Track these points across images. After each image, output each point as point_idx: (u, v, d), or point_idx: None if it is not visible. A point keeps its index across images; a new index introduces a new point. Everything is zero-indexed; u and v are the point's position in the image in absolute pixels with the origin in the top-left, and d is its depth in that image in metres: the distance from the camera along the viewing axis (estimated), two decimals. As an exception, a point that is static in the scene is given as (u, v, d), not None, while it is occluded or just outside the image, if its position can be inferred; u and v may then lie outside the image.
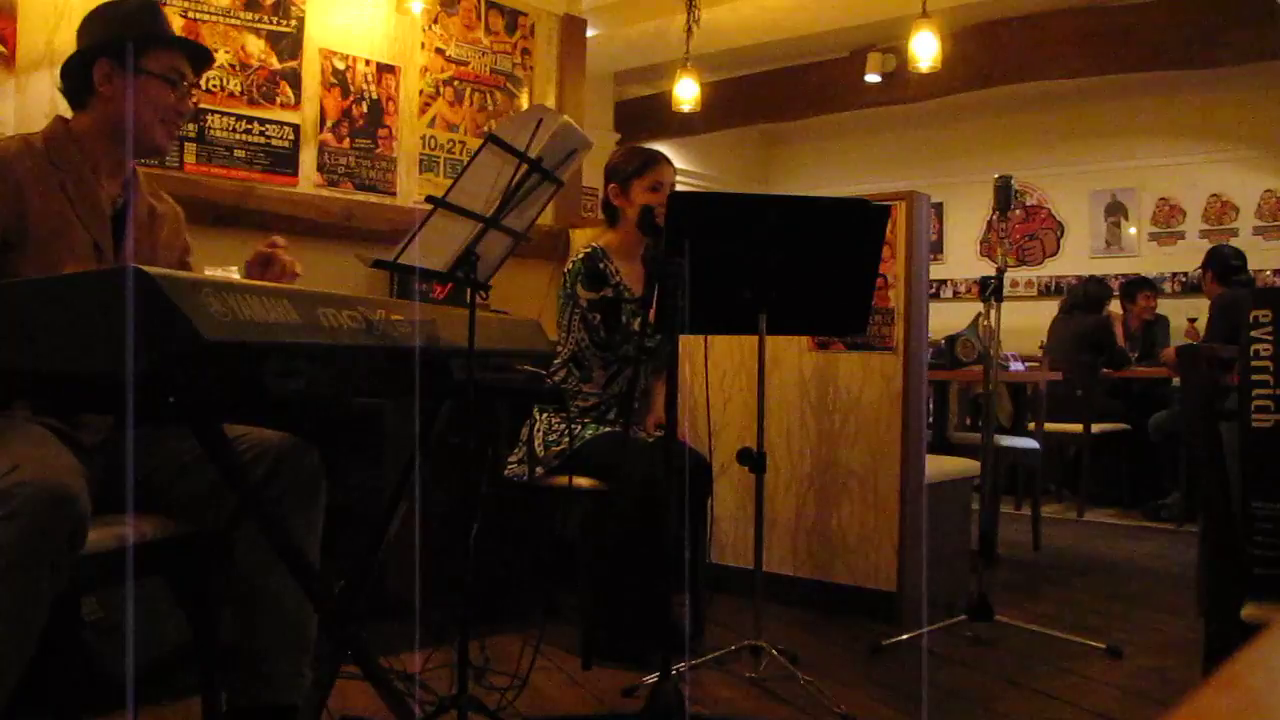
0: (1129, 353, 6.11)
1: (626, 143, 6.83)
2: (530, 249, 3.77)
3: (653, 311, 2.33)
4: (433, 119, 3.89)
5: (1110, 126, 7.43)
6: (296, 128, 3.49)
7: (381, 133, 3.72)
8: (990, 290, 3.06)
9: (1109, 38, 5.83)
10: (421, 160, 3.86)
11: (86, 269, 1.77)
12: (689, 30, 5.04)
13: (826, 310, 2.73)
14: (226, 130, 3.32)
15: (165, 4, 3.04)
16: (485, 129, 3.94)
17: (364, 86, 3.68)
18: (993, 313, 3.10)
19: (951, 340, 4.18)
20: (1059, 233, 7.76)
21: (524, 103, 4.16)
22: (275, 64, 3.43)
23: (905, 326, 3.25)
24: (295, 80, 3.49)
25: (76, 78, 1.94)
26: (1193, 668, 2.74)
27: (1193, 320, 6.32)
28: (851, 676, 2.73)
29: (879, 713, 2.48)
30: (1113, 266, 7.34)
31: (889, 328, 3.27)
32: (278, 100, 3.44)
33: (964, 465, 3.65)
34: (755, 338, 2.69)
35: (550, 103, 4.25)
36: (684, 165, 8.23)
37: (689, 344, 3.55)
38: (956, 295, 8.07)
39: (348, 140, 3.63)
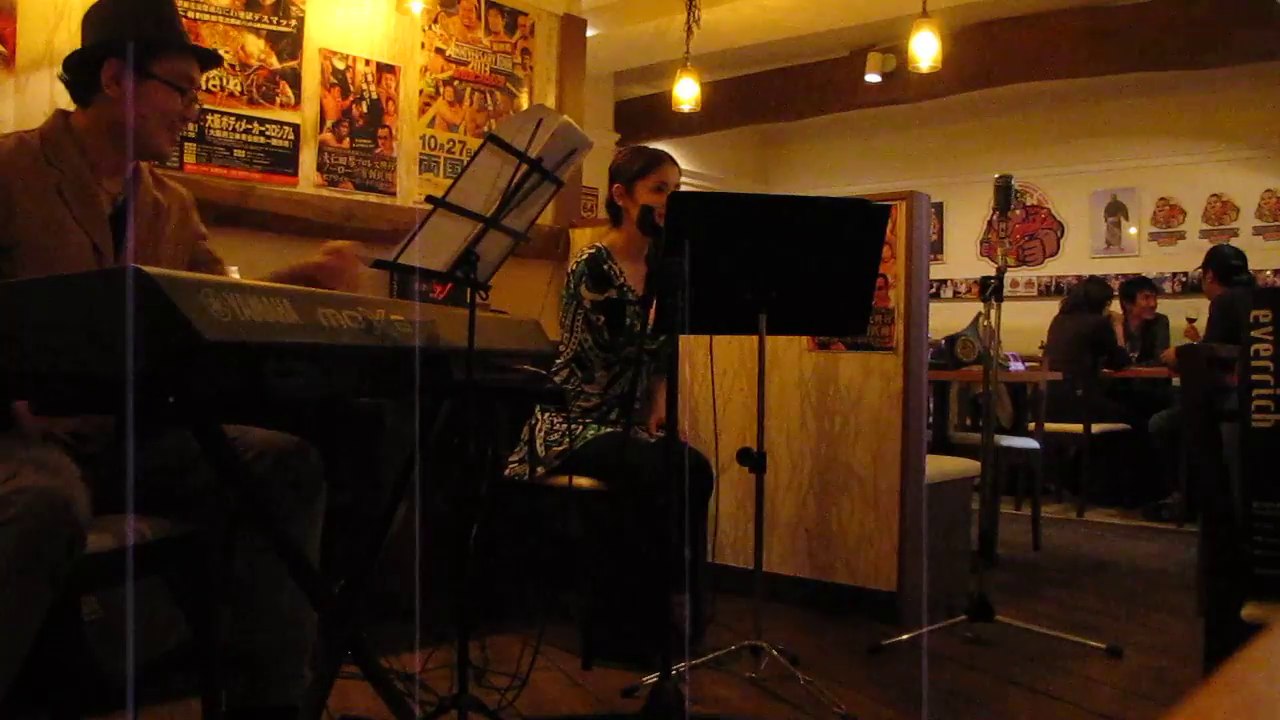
0: (1129, 353, 6.11)
1: (626, 143, 6.84)
2: (530, 249, 3.77)
3: (653, 312, 2.33)
4: (433, 119, 3.89)
5: (1110, 126, 7.43)
6: (296, 128, 3.49)
7: (381, 133, 3.72)
8: (990, 290, 3.06)
9: (1109, 38, 5.83)
10: (421, 160, 3.86)
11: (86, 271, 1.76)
12: (689, 30, 5.04)
13: (826, 310, 2.72)
14: (226, 130, 3.32)
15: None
16: (485, 129, 3.94)
17: (364, 86, 3.68)
18: (993, 313, 3.10)
19: (951, 340, 4.18)
20: (1059, 233, 7.76)
21: (524, 103, 4.16)
22: (275, 64, 3.43)
23: (905, 326, 3.25)
24: (295, 80, 3.49)
25: (82, 74, 1.89)
26: (1193, 668, 2.74)
27: (1192, 320, 6.32)
28: (851, 676, 2.73)
29: (879, 713, 2.48)
30: (1113, 266, 7.35)
31: (889, 328, 3.27)
32: (278, 100, 3.44)
33: (964, 465, 3.65)
34: (755, 338, 2.69)
35: (550, 103, 4.25)
36: (684, 165, 8.18)
37: (689, 344, 3.55)
38: (956, 295, 8.07)
39: (348, 140, 3.63)
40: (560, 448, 2.83)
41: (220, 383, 1.39)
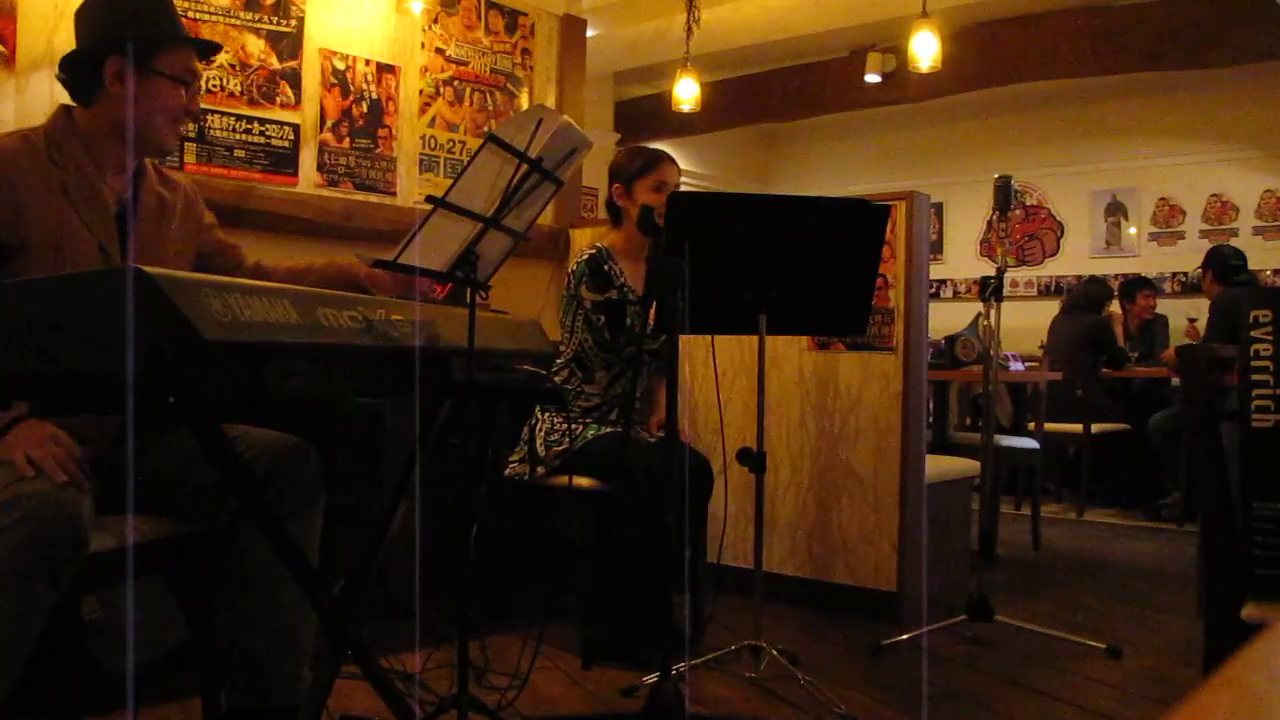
0: (1129, 352, 6.11)
1: (626, 142, 6.84)
2: (530, 249, 3.77)
3: (653, 312, 2.33)
4: (433, 119, 3.89)
5: (1110, 126, 7.43)
6: (296, 128, 3.49)
7: (381, 133, 3.72)
8: (990, 290, 3.06)
9: (1109, 38, 5.83)
10: (421, 160, 3.86)
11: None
12: (689, 30, 5.04)
13: (826, 310, 2.73)
14: (226, 130, 3.32)
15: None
16: (485, 129, 3.94)
17: (364, 86, 3.68)
18: (993, 313, 3.10)
19: (951, 340, 4.18)
20: (1059, 233, 7.76)
21: (524, 103, 4.16)
22: (275, 64, 3.43)
23: (905, 326, 3.25)
24: (295, 80, 3.49)
25: (83, 73, 1.87)
26: (1193, 668, 2.74)
27: (1193, 320, 6.32)
28: (851, 676, 2.73)
29: (879, 713, 2.48)
30: (1113, 266, 7.35)
31: (889, 328, 3.27)
32: (278, 100, 3.44)
33: (964, 465, 3.65)
34: (755, 338, 2.69)
35: (550, 103, 4.25)
36: (684, 165, 8.18)
37: (689, 344, 3.55)
38: (956, 295, 8.07)
39: (348, 140, 3.63)
40: (560, 448, 2.83)
41: (220, 383, 1.39)
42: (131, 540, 1.75)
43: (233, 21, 3.32)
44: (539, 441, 2.87)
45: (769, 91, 7.27)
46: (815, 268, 2.63)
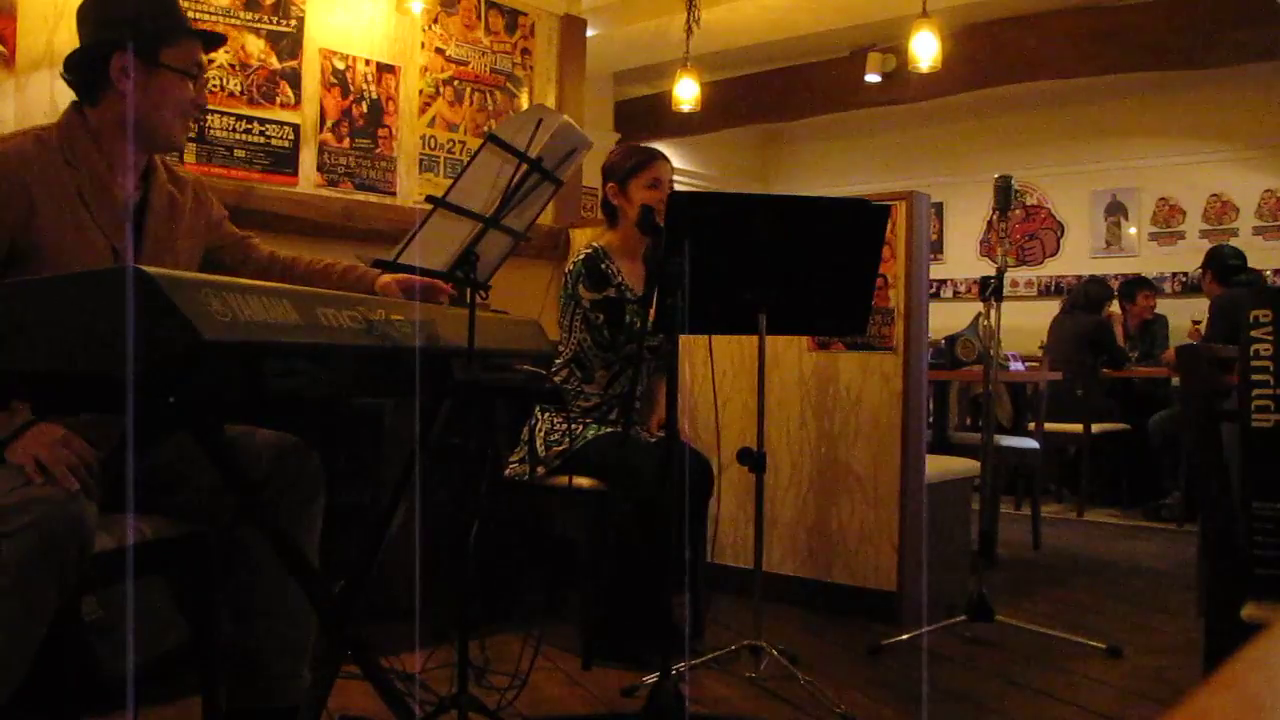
0: (1128, 353, 6.11)
1: (627, 143, 6.84)
2: (530, 249, 3.77)
3: (653, 311, 2.33)
4: (433, 119, 3.89)
5: (1110, 126, 7.43)
6: (296, 128, 3.49)
7: (381, 133, 3.72)
8: (990, 290, 3.06)
9: (1109, 38, 5.83)
10: (421, 160, 3.86)
11: None
12: (689, 30, 5.04)
13: (826, 310, 2.72)
14: (226, 130, 3.32)
15: None
16: (485, 129, 3.94)
17: (364, 86, 3.68)
18: (993, 313, 3.10)
19: (951, 340, 4.18)
20: (1059, 233, 7.76)
21: (524, 103, 4.16)
22: (275, 64, 3.43)
23: (905, 326, 3.25)
24: (295, 80, 3.49)
25: (89, 71, 1.85)
26: (1193, 668, 2.74)
27: (1198, 323, 6.31)
28: (851, 676, 2.73)
29: (879, 713, 2.48)
30: (1113, 266, 7.34)
31: (889, 328, 3.27)
32: (278, 100, 3.44)
33: (964, 465, 3.65)
34: (755, 338, 2.69)
35: (550, 103, 4.25)
36: (684, 165, 8.23)
37: (689, 344, 3.55)
38: (956, 295, 8.07)
39: (348, 140, 3.63)
40: (560, 448, 2.83)
41: (220, 383, 1.39)
42: (131, 540, 1.75)
43: (232, 21, 3.32)
44: (539, 442, 2.87)
45: (769, 91, 7.27)
46: (815, 268, 2.63)
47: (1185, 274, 7.07)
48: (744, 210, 2.63)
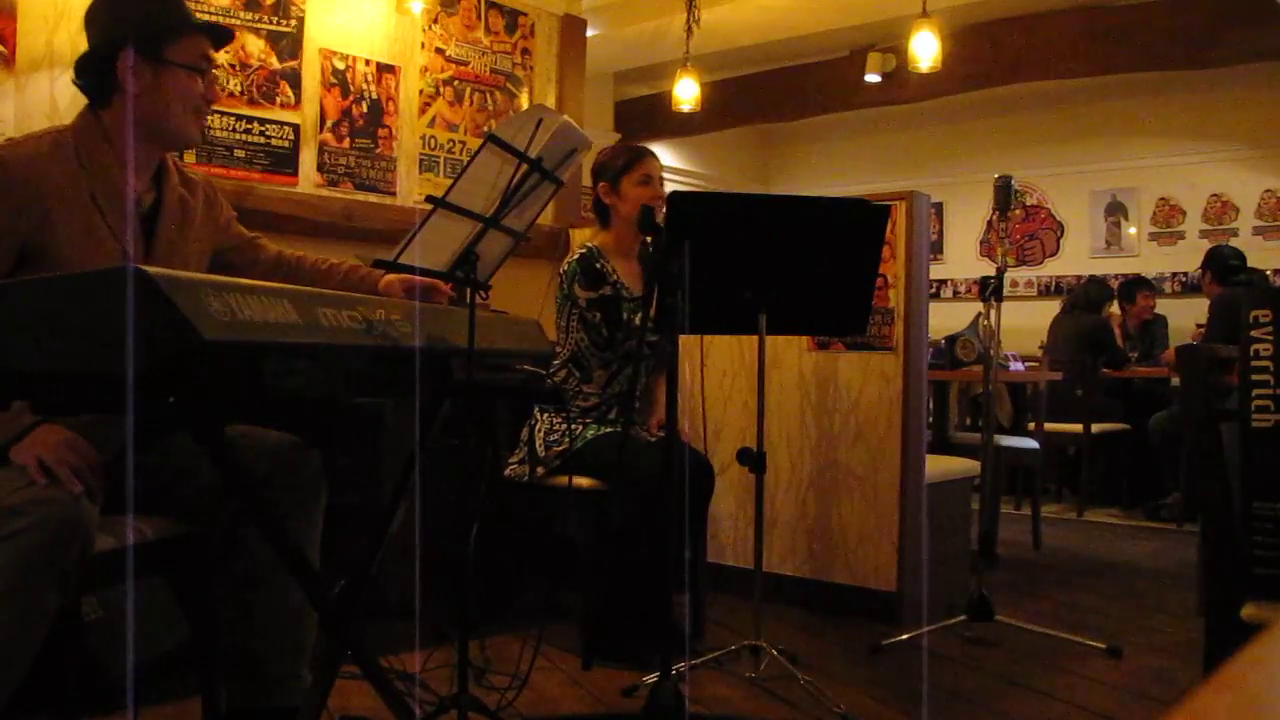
0: (1128, 353, 6.11)
1: (627, 143, 6.84)
2: (530, 249, 3.77)
3: (653, 310, 2.33)
4: (433, 119, 3.89)
5: (1110, 126, 7.43)
6: (296, 128, 3.49)
7: (381, 133, 3.72)
8: (990, 290, 3.06)
9: (1109, 38, 5.83)
10: (421, 160, 3.86)
11: None
12: (689, 30, 5.04)
13: (826, 310, 2.73)
14: (226, 130, 3.32)
15: None
16: (485, 129, 3.94)
17: (364, 86, 3.68)
18: (993, 313, 3.10)
19: (951, 340, 4.18)
20: (1059, 233, 7.76)
21: (524, 103, 4.16)
22: (275, 64, 3.43)
23: (905, 326, 3.25)
24: (295, 80, 3.49)
25: (97, 73, 1.84)
26: (1193, 668, 2.74)
27: (1200, 325, 6.30)
28: (851, 676, 2.73)
29: (879, 713, 2.48)
30: (1113, 266, 7.34)
31: (889, 328, 3.27)
32: (278, 100, 3.44)
33: (964, 465, 3.65)
34: (755, 338, 2.69)
35: (550, 103, 4.25)
36: (684, 165, 8.24)
37: (689, 343, 3.55)
38: (956, 295, 8.07)
39: (348, 140, 3.63)
40: (560, 448, 2.83)
41: (220, 383, 1.39)
42: (132, 540, 1.75)
43: (233, 21, 3.32)
44: (538, 442, 2.87)
45: (769, 91, 7.27)
46: (815, 268, 2.63)
47: (1185, 274, 7.07)
48: (744, 210, 2.63)
